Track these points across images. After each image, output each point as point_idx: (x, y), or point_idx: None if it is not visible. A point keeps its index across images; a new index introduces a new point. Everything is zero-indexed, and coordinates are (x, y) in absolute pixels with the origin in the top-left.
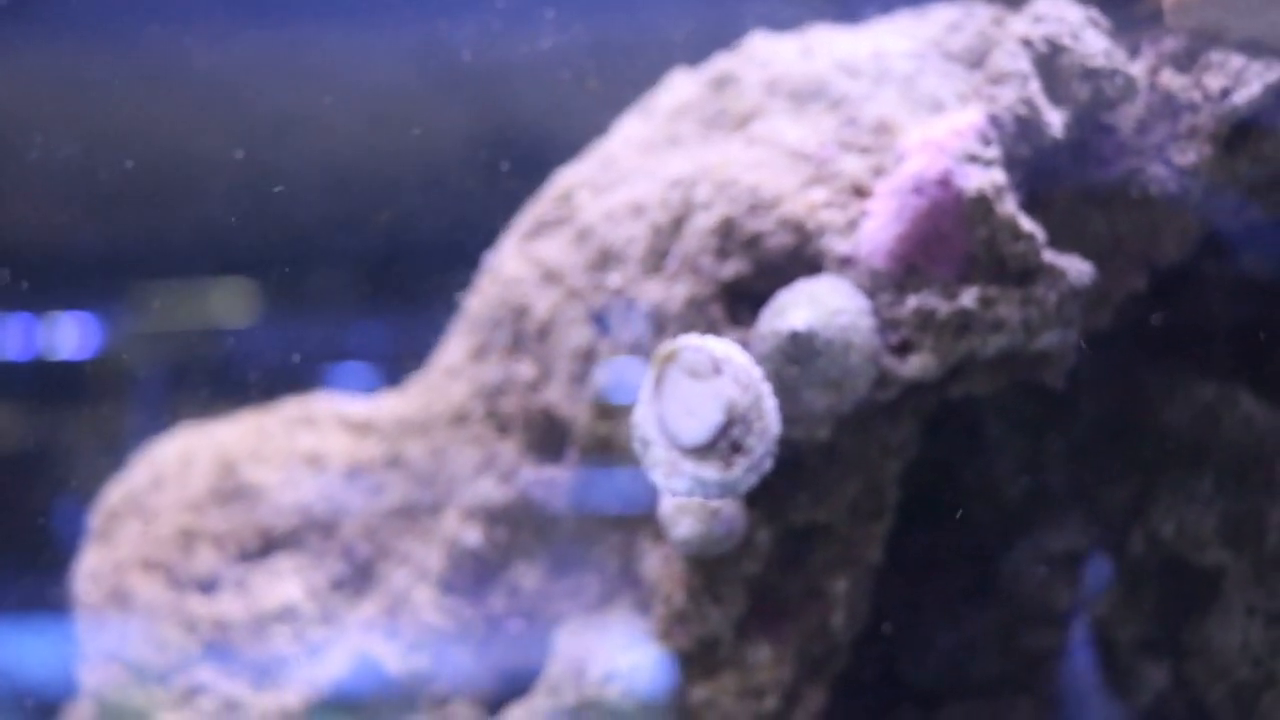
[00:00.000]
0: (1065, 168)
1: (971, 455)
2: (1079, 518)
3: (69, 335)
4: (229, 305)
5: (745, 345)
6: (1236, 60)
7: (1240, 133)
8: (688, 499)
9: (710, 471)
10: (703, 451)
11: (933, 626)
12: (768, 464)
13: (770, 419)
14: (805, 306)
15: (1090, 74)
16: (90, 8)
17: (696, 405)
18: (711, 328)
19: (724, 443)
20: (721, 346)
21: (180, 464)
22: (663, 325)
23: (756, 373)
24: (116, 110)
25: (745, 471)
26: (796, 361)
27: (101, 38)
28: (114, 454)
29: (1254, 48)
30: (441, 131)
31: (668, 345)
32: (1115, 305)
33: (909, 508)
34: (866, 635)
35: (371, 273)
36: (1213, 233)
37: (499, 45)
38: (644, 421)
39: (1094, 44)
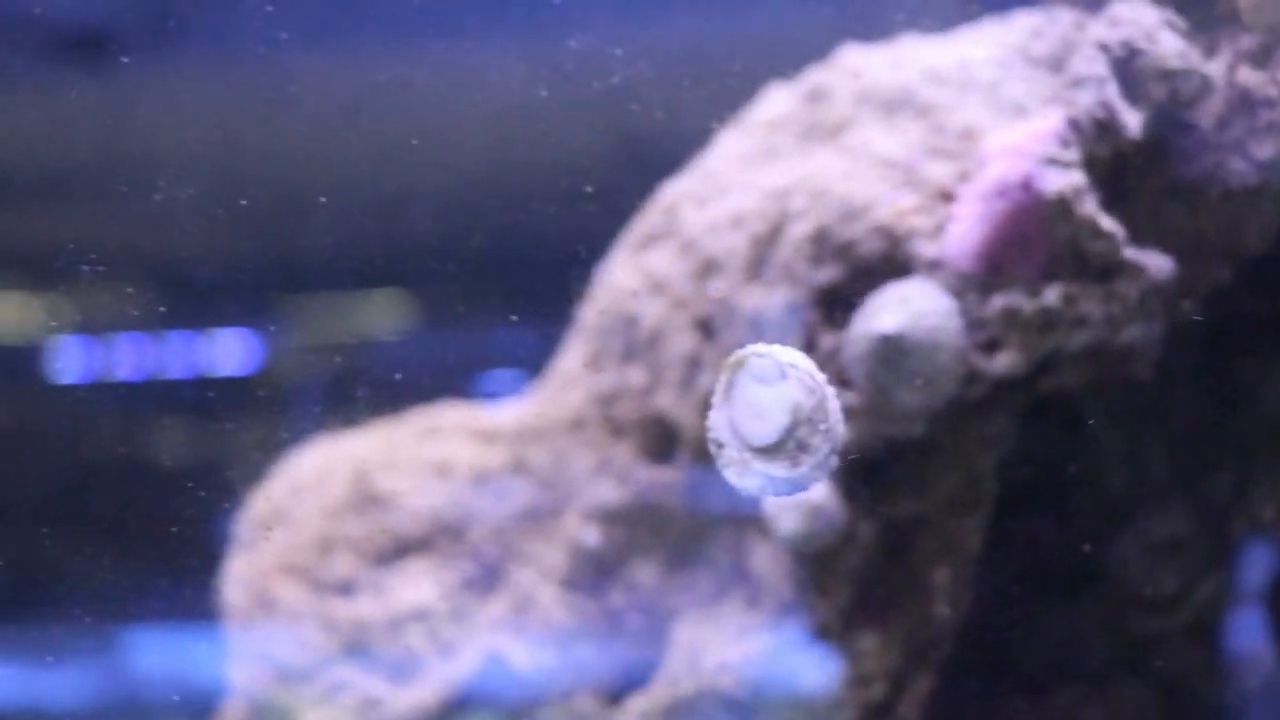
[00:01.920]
0: (1146, 166)
1: (1074, 447)
2: (1181, 504)
3: (230, 351)
4: (383, 317)
5: (839, 348)
6: None
7: None
8: (769, 495)
9: (779, 470)
10: (771, 451)
11: (1041, 614)
12: (833, 461)
13: (834, 420)
14: (895, 309)
15: (1166, 75)
16: (235, 36)
17: (764, 409)
18: (808, 332)
19: (791, 443)
20: (787, 353)
21: (317, 475)
22: (762, 330)
23: (820, 377)
24: (267, 130)
25: (812, 469)
26: (888, 362)
27: (247, 63)
28: (275, 466)
29: None
30: (577, 143)
31: (736, 353)
32: (1202, 297)
33: (1015, 499)
34: (976, 623)
35: (518, 281)
36: None
37: (626, 57)
38: (716, 425)
39: (1169, 45)
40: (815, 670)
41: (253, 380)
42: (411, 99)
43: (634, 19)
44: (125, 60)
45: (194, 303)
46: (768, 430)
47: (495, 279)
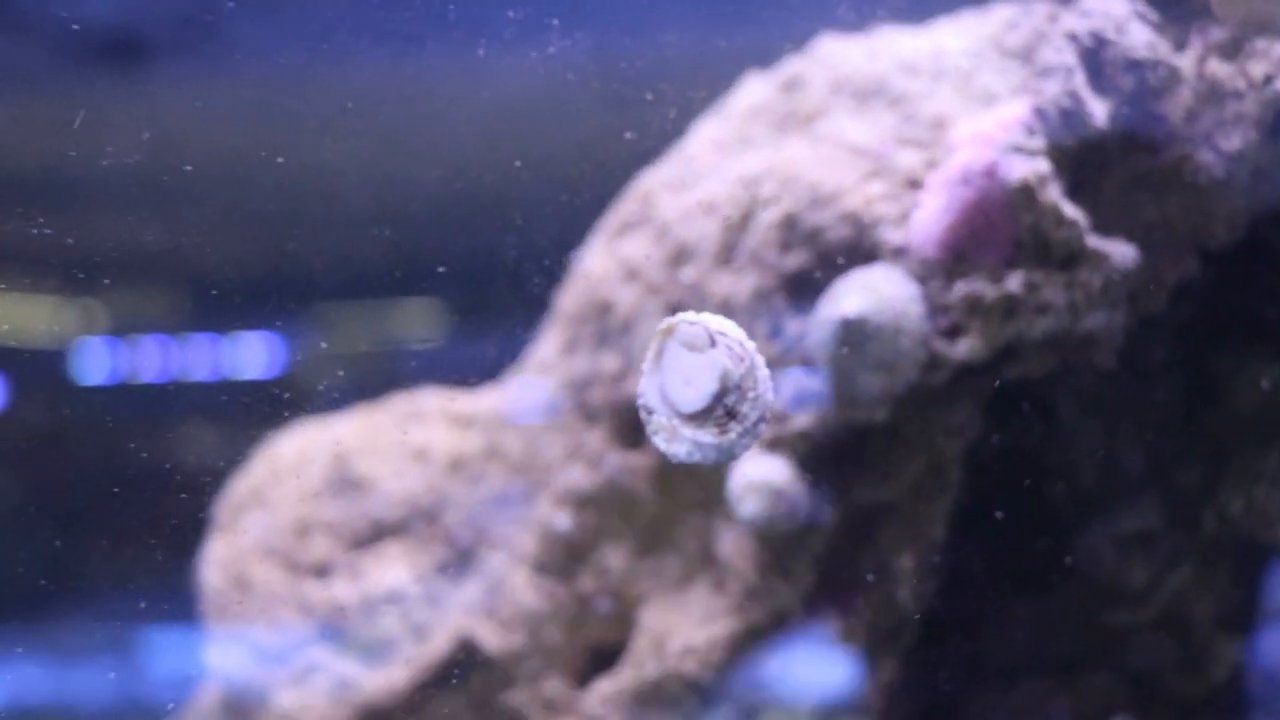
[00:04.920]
0: (1114, 156)
1: (1047, 438)
2: (1152, 498)
3: (255, 355)
4: (411, 325)
5: (805, 332)
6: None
7: None
8: (697, 461)
9: (707, 436)
10: (700, 418)
11: (1011, 605)
12: (762, 429)
13: (764, 388)
14: (858, 294)
15: (1134, 65)
16: (268, 44)
17: (693, 375)
18: (776, 317)
19: (720, 410)
20: (716, 321)
21: (298, 458)
22: (731, 315)
23: (751, 345)
24: (298, 138)
25: (740, 435)
26: (850, 346)
27: (280, 71)
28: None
29: None
30: (605, 148)
31: (666, 320)
32: (1170, 289)
33: (986, 490)
34: (945, 613)
35: (551, 292)
36: (1262, 215)
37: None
38: (647, 391)
39: (1138, 36)
40: (778, 655)
41: (277, 384)
42: (443, 108)
43: (647, 19)
44: (158, 66)
45: (221, 307)
46: (696, 397)
47: (525, 288)
